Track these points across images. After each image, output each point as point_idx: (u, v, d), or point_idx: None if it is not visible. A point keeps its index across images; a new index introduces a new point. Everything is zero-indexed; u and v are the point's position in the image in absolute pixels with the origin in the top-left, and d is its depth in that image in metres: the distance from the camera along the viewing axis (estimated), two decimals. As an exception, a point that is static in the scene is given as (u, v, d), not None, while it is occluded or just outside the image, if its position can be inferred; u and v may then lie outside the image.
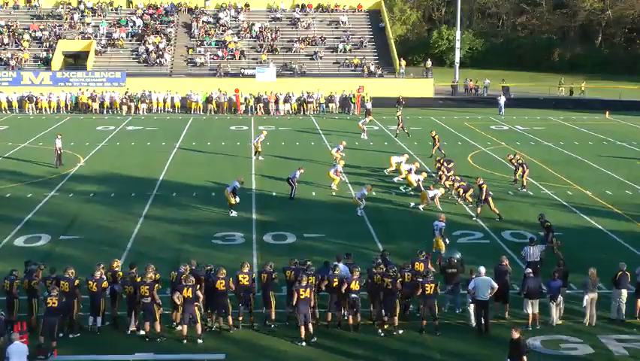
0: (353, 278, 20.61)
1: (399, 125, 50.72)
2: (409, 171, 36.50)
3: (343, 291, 20.52)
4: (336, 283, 20.67)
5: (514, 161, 37.14)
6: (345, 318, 20.85)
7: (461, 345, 19.88)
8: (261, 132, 45.07)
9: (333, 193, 35.24)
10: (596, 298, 21.17)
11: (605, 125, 58.45)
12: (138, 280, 20.30)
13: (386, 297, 20.62)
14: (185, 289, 19.76)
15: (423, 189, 34.25)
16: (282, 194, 34.69)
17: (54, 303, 19.00)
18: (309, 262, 21.60)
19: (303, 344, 19.71)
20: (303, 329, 19.84)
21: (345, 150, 41.48)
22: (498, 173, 39.82)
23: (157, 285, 20.17)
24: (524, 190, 35.71)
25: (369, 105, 59.37)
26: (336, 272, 21.01)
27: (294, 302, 19.86)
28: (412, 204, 33.23)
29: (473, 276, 20.91)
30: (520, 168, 36.25)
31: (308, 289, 19.84)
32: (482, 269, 20.91)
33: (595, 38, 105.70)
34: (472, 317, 21.02)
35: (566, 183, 37.62)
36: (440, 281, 21.64)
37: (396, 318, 20.56)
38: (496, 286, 20.68)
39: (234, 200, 31.31)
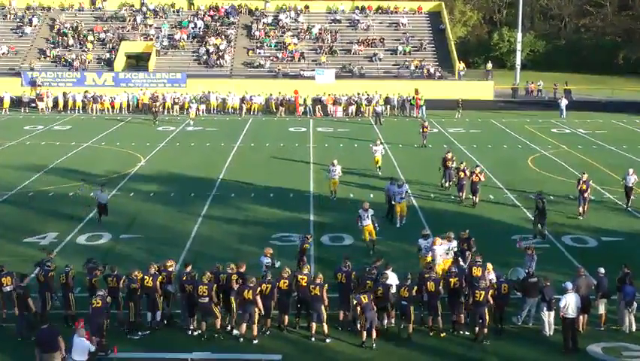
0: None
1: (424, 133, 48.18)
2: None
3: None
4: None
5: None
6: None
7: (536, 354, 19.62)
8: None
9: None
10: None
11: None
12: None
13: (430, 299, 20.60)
14: (246, 290, 19.88)
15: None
16: (339, 196, 34.61)
17: (98, 304, 19.16)
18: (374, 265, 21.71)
19: (255, 341, 19.90)
20: (244, 326, 20.10)
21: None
22: (559, 177, 39.24)
23: (215, 285, 20.32)
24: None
25: (378, 108, 59.85)
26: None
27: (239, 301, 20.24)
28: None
29: (547, 284, 20.53)
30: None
31: (250, 291, 19.84)
32: (569, 285, 20.04)
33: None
34: (547, 325, 20.46)
35: (630, 188, 36.80)
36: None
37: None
38: (580, 304, 19.86)
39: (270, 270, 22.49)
